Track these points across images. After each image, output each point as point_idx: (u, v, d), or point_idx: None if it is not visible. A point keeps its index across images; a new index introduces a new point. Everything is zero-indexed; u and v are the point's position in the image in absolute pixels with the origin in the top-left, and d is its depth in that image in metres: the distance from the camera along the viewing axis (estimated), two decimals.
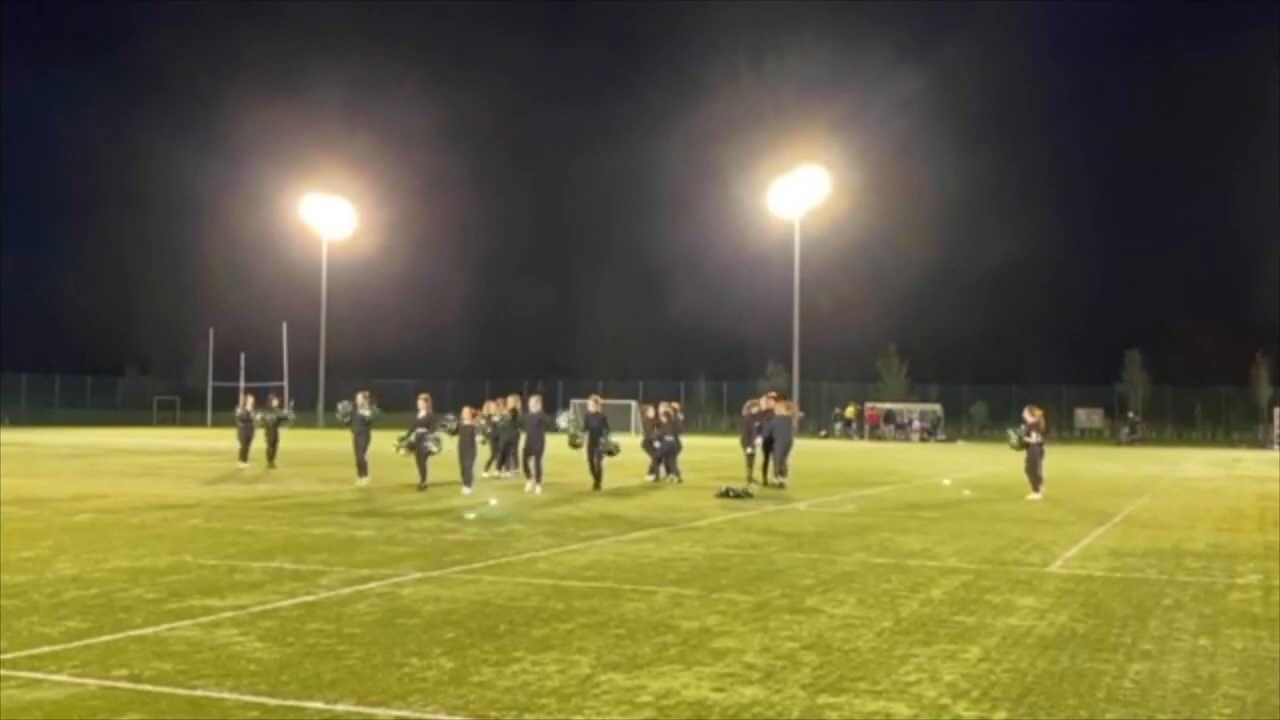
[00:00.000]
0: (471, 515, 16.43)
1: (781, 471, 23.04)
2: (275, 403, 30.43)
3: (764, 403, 24.61)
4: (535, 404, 22.32)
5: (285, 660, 7.36)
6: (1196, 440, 70.50)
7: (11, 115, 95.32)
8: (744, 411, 25.58)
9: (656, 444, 24.50)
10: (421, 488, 20.89)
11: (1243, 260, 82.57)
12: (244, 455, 27.86)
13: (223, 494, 20.04)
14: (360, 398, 23.10)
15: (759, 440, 23.97)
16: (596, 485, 21.51)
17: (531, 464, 21.64)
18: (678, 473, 24.22)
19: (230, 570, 11.08)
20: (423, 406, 22.27)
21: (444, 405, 34.16)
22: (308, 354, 74.86)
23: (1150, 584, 11.15)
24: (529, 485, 21.15)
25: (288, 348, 71.08)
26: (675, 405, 25.86)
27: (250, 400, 29.60)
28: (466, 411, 21.99)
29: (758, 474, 23.58)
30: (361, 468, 22.32)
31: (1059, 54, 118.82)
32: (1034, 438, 21.25)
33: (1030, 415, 21.66)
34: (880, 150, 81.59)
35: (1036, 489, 21.05)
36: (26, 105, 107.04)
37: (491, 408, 25.54)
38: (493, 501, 18.46)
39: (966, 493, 22.30)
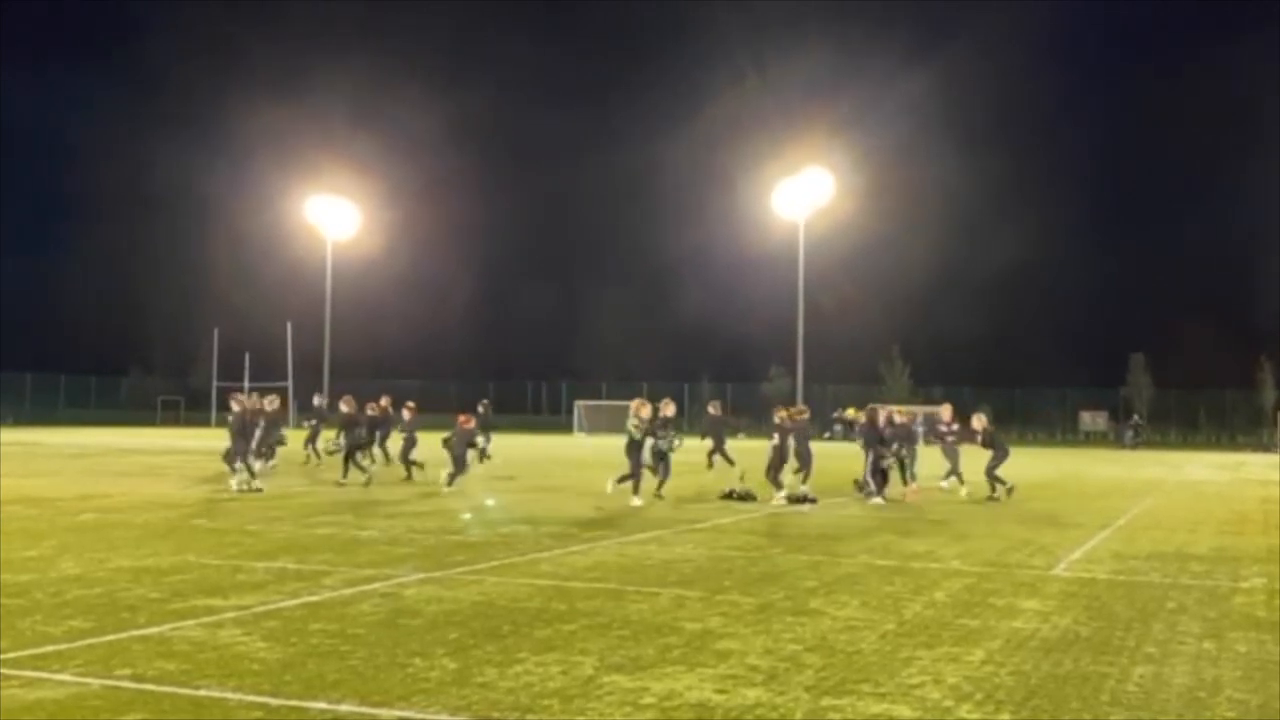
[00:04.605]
0: (467, 516, 16.47)
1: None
2: (281, 403, 30.37)
3: (856, 413, 23.92)
4: (714, 407, 23.17)
5: (288, 660, 7.36)
6: (1200, 443, 70.32)
7: (15, 115, 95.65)
8: (792, 420, 21.50)
9: None
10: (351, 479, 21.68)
11: (1247, 264, 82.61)
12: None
13: (226, 494, 20.03)
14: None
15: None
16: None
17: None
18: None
19: (233, 570, 11.08)
20: (406, 413, 22.43)
21: (447, 407, 34.23)
22: (312, 354, 74.87)
23: (1154, 587, 11.13)
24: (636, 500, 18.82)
25: (292, 348, 71.15)
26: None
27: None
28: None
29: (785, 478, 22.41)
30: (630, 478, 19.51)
31: (1062, 57, 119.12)
32: (950, 438, 22.51)
33: (944, 413, 23.34)
34: (884, 152, 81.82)
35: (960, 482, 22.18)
36: (30, 105, 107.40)
37: (342, 406, 23.12)
38: (489, 502, 18.46)
39: (965, 494, 22.25)
